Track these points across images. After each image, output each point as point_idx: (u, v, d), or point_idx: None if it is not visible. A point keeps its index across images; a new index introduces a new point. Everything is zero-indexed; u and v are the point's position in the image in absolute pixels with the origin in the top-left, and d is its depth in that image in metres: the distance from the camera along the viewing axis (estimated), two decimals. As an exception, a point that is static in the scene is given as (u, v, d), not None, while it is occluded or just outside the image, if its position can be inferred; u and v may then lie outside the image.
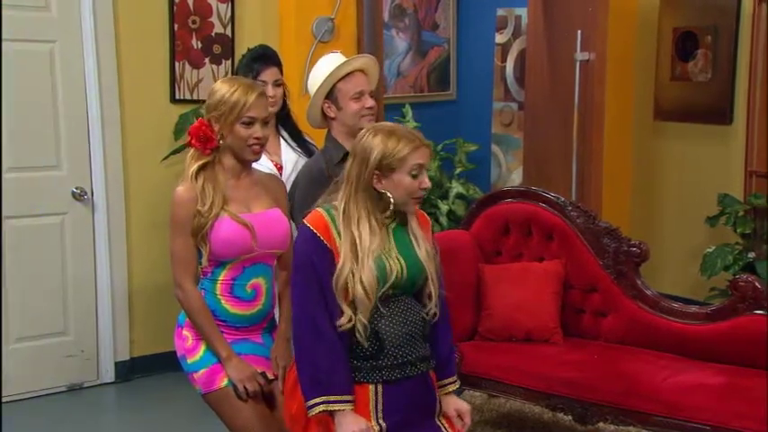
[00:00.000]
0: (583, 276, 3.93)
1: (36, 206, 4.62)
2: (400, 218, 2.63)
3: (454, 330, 3.80)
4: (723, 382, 3.34)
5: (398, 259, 2.56)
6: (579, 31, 5.11)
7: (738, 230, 4.83)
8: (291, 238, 2.98)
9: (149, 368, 4.91)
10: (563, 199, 4.05)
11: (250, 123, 2.83)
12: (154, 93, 4.88)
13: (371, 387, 2.55)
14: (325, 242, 2.52)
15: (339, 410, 2.50)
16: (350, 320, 2.51)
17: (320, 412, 2.51)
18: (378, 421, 2.55)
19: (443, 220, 6.36)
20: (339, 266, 2.51)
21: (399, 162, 2.53)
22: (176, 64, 4.90)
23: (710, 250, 4.87)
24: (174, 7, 4.86)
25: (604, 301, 3.88)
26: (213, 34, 5.00)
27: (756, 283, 3.50)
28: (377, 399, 2.56)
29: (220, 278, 2.86)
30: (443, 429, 2.68)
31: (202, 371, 2.87)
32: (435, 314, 2.64)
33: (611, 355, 3.68)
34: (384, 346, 2.54)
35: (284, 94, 3.71)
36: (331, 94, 3.29)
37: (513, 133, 6.52)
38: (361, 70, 3.34)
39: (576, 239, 3.94)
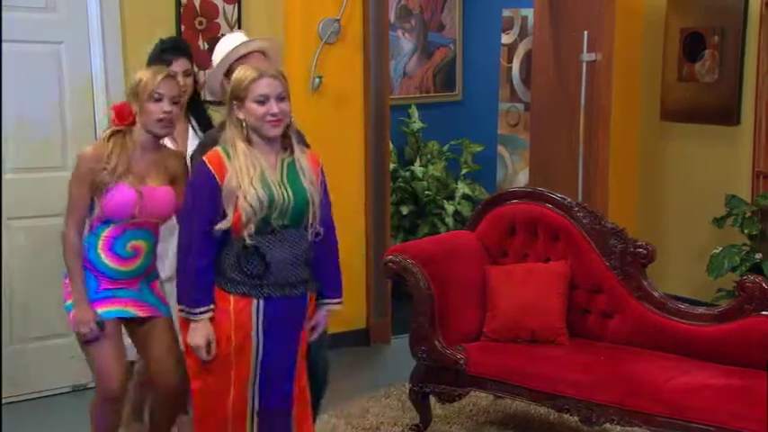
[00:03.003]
0: (589, 277, 3.92)
1: (42, 207, 4.61)
2: (290, 150, 2.99)
3: (460, 331, 3.87)
4: (730, 384, 3.33)
5: (287, 189, 2.93)
6: (585, 32, 5.10)
7: (745, 231, 4.82)
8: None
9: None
10: (569, 200, 4.04)
11: (159, 99, 3.13)
12: (160, 94, 4.87)
13: (255, 301, 2.94)
14: (215, 175, 2.89)
15: (193, 320, 2.91)
16: (228, 223, 2.87)
17: (182, 319, 2.97)
18: (257, 330, 2.95)
19: (449, 220, 6.35)
20: (226, 180, 2.87)
21: (245, 91, 2.91)
22: (182, 65, 4.90)
23: (717, 251, 4.86)
24: (181, 8, 4.86)
25: (610, 302, 3.87)
26: (220, 35, 4.99)
27: (763, 284, 3.49)
28: (258, 311, 2.95)
29: (103, 235, 3.20)
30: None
31: (72, 312, 3.24)
32: (318, 234, 3.00)
33: (617, 357, 3.67)
34: (270, 268, 2.92)
35: (195, 84, 3.80)
36: (229, 72, 3.36)
37: (520, 134, 6.52)
38: (261, 51, 3.46)
39: (582, 240, 3.94)
